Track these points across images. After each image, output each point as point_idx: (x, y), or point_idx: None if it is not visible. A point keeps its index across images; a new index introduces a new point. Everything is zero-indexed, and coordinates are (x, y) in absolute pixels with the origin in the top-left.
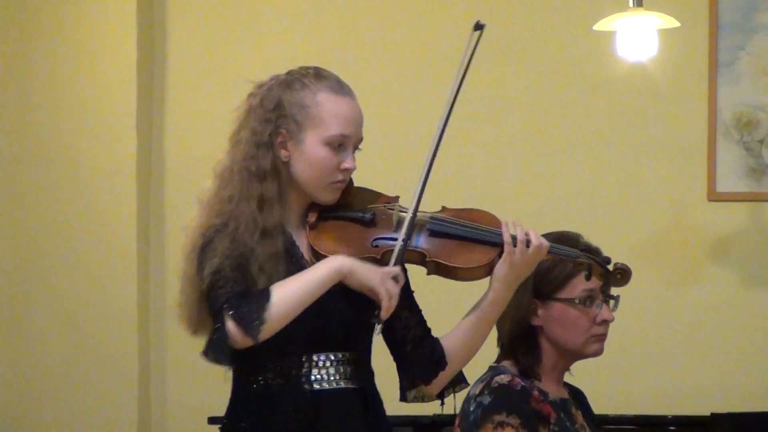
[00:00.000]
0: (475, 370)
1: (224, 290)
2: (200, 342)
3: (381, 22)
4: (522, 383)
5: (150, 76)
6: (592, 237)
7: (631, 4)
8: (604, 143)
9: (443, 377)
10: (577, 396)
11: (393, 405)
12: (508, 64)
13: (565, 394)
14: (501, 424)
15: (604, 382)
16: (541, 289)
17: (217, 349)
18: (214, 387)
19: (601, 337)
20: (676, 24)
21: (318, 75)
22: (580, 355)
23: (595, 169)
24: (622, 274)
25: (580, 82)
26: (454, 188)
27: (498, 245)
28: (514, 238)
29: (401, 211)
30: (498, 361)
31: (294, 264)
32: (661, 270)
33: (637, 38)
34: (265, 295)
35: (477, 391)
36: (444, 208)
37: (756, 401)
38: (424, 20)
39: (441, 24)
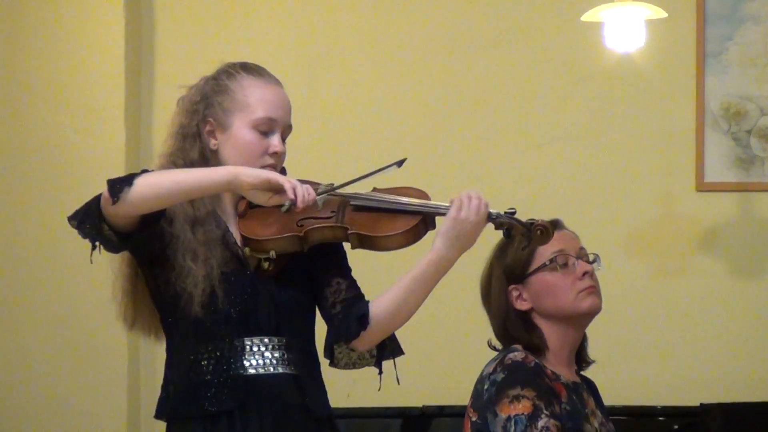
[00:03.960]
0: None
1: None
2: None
3: (372, 18)
4: (535, 360)
5: (138, 70)
6: (580, 228)
7: None
8: (592, 134)
9: (369, 337)
10: (588, 385)
11: (380, 396)
12: (496, 55)
13: (577, 379)
14: (517, 398)
15: (593, 373)
16: (513, 273)
17: (84, 212)
18: None
19: (590, 290)
20: (664, 15)
21: (244, 65)
22: (577, 315)
23: (583, 160)
24: (543, 231)
25: (567, 74)
26: (440, 179)
27: (419, 214)
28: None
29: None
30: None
31: (229, 249)
32: (649, 261)
33: (625, 29)
34: (143, 171)
35: (490, 370)
36: (375, 189)
37: (745, 391)
38: (416, 16)
39: (431, 21)
